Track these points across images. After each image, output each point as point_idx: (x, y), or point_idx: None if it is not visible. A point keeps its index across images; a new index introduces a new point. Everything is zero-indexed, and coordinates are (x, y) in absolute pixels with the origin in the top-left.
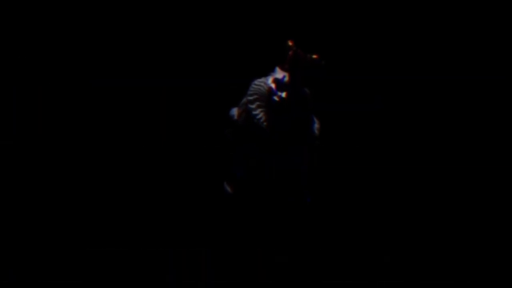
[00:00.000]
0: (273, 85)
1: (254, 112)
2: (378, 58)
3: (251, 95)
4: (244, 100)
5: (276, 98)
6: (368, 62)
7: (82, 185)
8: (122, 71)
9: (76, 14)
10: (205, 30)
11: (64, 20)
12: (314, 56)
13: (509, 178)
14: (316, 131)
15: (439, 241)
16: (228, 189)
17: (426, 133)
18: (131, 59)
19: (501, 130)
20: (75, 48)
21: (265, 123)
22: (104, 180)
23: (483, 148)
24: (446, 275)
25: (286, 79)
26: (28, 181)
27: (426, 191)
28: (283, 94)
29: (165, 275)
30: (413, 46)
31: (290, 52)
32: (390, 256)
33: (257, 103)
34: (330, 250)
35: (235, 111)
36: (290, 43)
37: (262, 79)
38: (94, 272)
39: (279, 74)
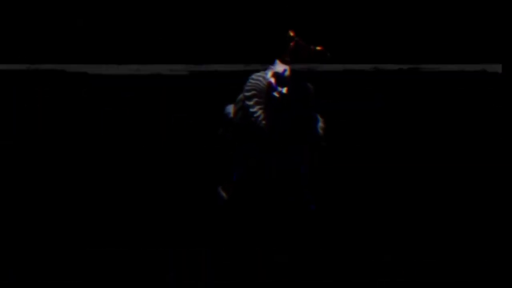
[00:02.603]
0: (272, 80)
1: (252, 110)
2: (379, 57)
3: (248, 90)
4: (241, 96)
5: (276, 94)
6: (370, 61)
7: (82, 185)
8: (122, 71)
9: (75, 15)
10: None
11: (63, 21)
12: (318, 48)
13: (509, 177)
14: (320, 131)
15: (439, 239)
16: (223, 194)
17: (426, 131)
18: (131, 59)
19: (501, 129)
20: (75, 48)
21: (263, 122)
22: (104, 180)
23: (483, 147)
24: (446, 274)
25: (287, 73)
26: (28, 181)
27: (427, 189)
28: (284, 90)
29: (165, 275)
30: (414, 45)
31: (291, 43)
32: (390, 255)
33: (255, 99)
34: (331, 249)
35: (230, 109)
36: (291, 34)
37: (261, 73)
38: (94, 272)
39: (280, 67)
